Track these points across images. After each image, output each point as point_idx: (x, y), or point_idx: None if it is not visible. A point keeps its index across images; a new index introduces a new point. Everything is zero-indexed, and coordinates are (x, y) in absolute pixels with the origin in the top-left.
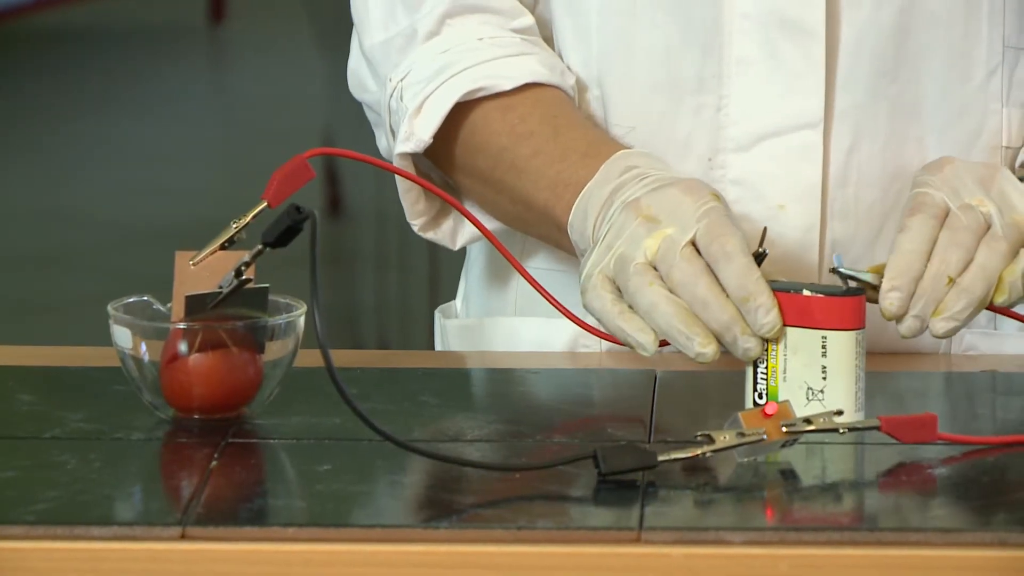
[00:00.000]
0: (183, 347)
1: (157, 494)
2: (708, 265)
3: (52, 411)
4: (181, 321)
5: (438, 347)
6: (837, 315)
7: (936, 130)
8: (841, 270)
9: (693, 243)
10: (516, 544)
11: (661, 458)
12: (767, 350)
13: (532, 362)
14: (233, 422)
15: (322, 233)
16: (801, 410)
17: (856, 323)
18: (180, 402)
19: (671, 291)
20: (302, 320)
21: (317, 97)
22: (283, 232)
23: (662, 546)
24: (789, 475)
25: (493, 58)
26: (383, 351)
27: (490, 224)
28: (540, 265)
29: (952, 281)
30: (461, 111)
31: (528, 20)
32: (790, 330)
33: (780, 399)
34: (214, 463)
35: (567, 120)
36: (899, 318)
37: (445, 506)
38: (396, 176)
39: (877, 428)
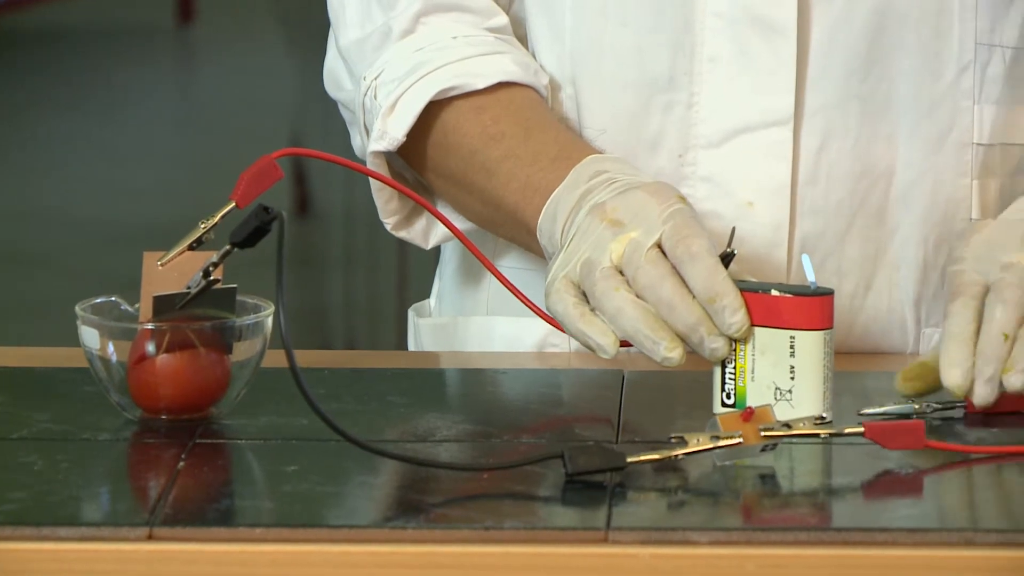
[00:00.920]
0: (151, 347)
1: (124, 495)
2: (674, 267)
3: (19, 412)
4: (149, 321)
5: (411, 346)
6: (805, 315)
7: (907, 128)
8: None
9: (659, 245)
10: (483, 544)
11: (630, 459)
12: (735, 350)
13: (501, 362)
14: (200, 423)
15: (290, 233)
16: (771, 410)
17: (824, 323)
18: (147, 402)
19: (638, 295)
20: (270, 320)
21: (285, 97)
22: (251, 233)
23: (629, 546)
24: (758, 476)
25: (467, 56)
26: (351, 351)
27: (462, 224)
28: (511, 264)
29: (1008, 337)
30: (434, 110)
31: (503, 19)
32: (758, 330)
33: (748, 399)
34: (181, 464)
35: (539, 122)
36: (968, 389)
37: (412, 506)
38: (368, 162)
39: (861, 435)
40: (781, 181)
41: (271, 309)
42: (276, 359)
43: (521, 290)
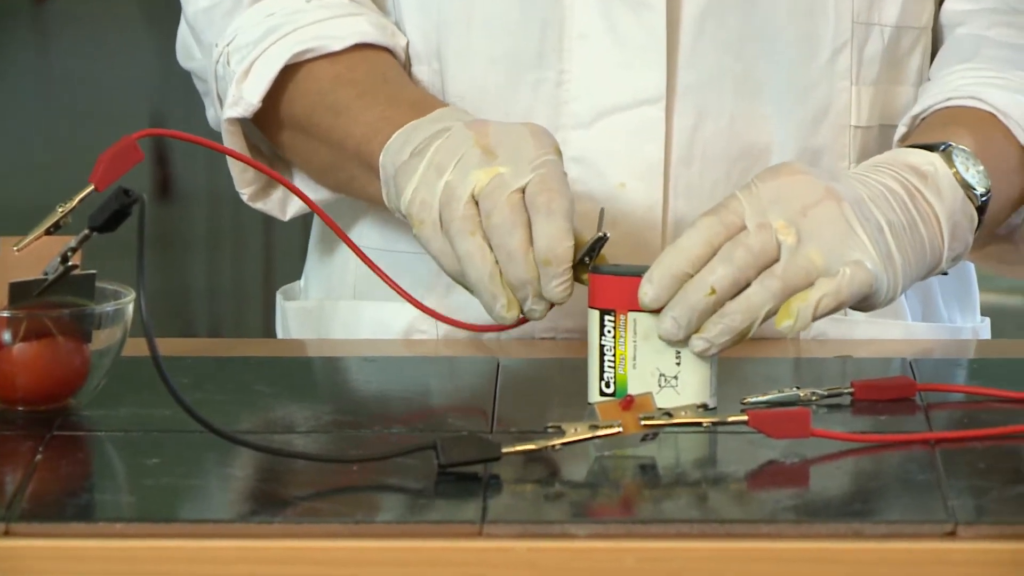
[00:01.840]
0: (7, 336)
1: None
2: (529, 220)
3: None
4: (4, 309)
5: (279, 331)
6: None
7: (783, 109)
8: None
9: (523, 190)
10: (353, 539)
11: (505, 450)
12: (615, 337)
13: (369, 349)
14: (59, 414)
15: (152, 216)
16: (654, 398)
17: None
18: (3, 393)
19: (485, 231)
20: (130, 308)
21: (146, 77)
22: (111, 216)
23: (504, 540)
24: (638, 467)
25: (321, 19)
26: (215, 339)
27: (318, 196)
28: (374, 245)
29: (714, 292)
30: (289, 74)
31: None
32: (641, 316)
33: (629, 387)
34: (39, 456)
35: (397, 78)
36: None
37: (279, 500)
38: (225, 140)
39: (745, 423)
40: (654, 161)
41: (131, 296)
42: (137, 347)
43: (386, 272)
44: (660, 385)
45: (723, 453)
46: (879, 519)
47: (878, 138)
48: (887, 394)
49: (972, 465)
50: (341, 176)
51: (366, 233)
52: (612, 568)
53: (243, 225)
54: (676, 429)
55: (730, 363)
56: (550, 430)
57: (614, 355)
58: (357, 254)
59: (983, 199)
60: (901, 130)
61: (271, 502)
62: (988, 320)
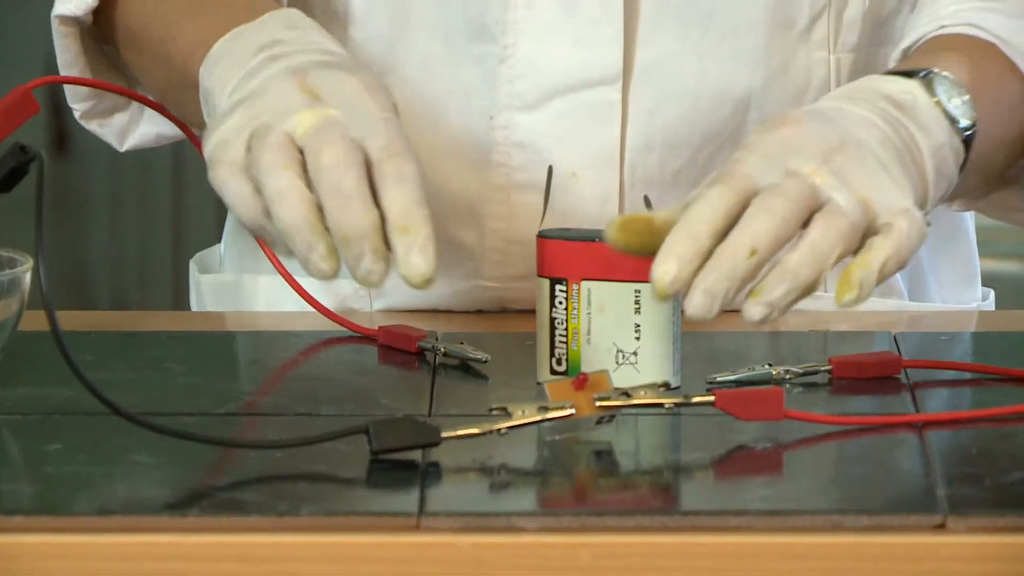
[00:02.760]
0: None
1: None
2: (368, 174)
3: None
4: None
5: (193, 304)
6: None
7: (757, 88)
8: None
9: (360, 149)
10: (278, 533)
11: (445, 434)
12: (566, 309)
13: (293, 323)
14: None
15: (49, 175)
16: (609, 376)
17: None
18: None
19: (311, 178)
20: (27, 277)
21: (39, 20)
22: (7, 175)
23: (446, 534)
24: (593, 453)
25: None
26: (121, 312)
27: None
28: None
29: (755, 252)
30: None
31: None
32: (595, 285)
33: (584, 365)
34: None
35: None
36: (680, 295)
37: (195, 490)
38: (57, 46)
39: (711, 404)
40: (608, 148)
41: (29, 263)
42: (35, 321)
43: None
44: (617, 362)
45: (687, 437)
46: (860, 510)
47: None
48: (869, 371)
49: (964, 451)
50: (179, 101)
51: None
52: (565, 565)
53: (150, 184)
54: (635, 411)
55: (695, 338)
56: (495, 412)
57: (566, 329)
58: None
59: (968, 133)
60: (890, 67)
61: (185, 493)
62: (992, 294)
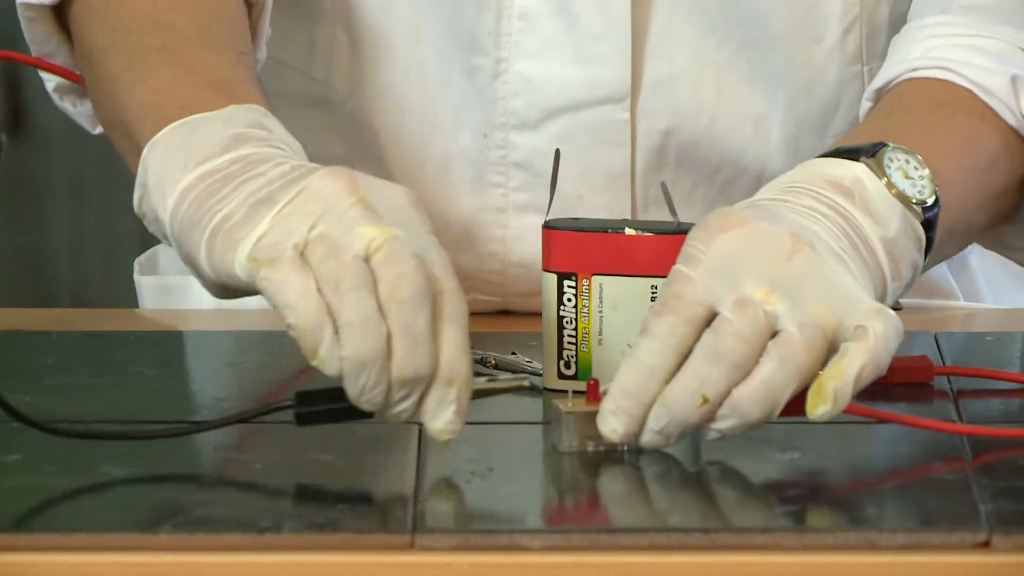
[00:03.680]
0: None
1: None
2: None
3: None
4: None
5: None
6: (669, 257)
7: (781, 105)
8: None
9: None
10: (258, 552)
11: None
12: (576, 307)
13: (277, 322)
14: None
15: (3, 157)
16: None
17: None
18: None
19: (387, 301)
20: None
21: None
22: None
23: (442, 553)
24: (606, 464)
25: None
26: (83, 310)
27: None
28: None
29: (707, 401)
30: None
31: None
32: (608, 280)
33: (595, 368)
34: None
35: (223, 36)
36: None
37: (169, 505)
38: (21, 20)
39: None
40: (618, 170)
41: None
42: None
43: None
44: None
45: (708, 446)
46: (897, 527)
47: None
48: (896, 377)
49: (1010, 462)
50: (120, 145)
51: None
52: None
53: (114, 169)
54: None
55: None
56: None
57: (575, 329)
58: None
59: (929, 214)
60: (865, 106)
61: (157, 508)
62: None
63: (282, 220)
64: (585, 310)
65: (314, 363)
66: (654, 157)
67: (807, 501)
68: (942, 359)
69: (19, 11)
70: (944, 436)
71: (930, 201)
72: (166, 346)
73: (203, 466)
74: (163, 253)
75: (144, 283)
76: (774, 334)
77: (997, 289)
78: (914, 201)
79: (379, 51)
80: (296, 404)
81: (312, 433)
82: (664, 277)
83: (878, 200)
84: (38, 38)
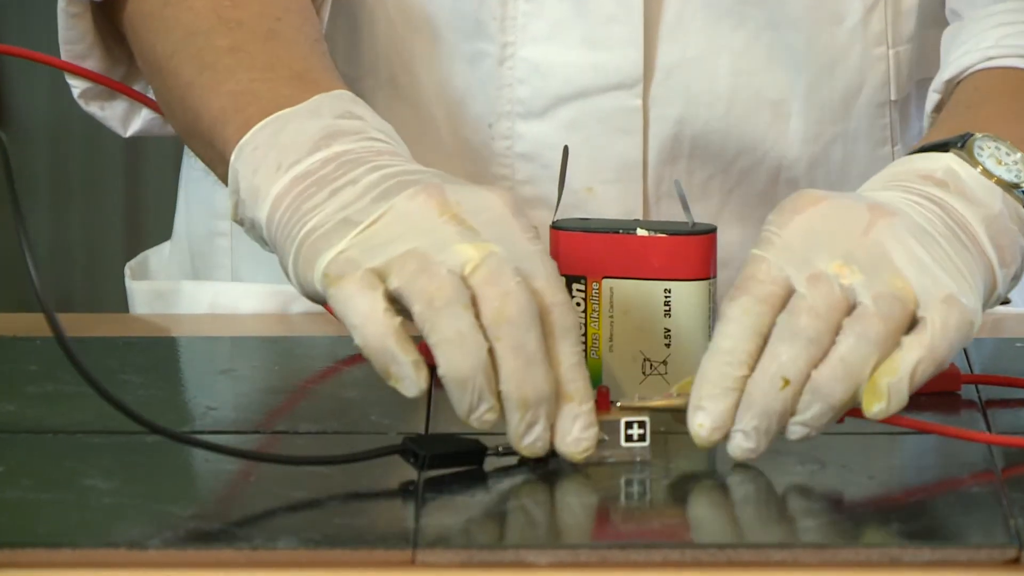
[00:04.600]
0: None
1: None
2: None
3: None
4: None
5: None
6: (684, 260)
7: (801, 91)
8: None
9: None
10: (251, 569)
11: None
12: (586, 312)
13: (270, 328)
14: None
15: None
16: (636, 387)
17: (708, 270)
18: None
19: (493, 323)
20: None
21: None
22: None
23: (444, 570)
24: (616, 477)
25: None
26: (68, 314)
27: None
28: None
29: (788, 383)
30: None
31: None
32: (618, 283)
33: (604, 376)
34: None
35: (294, 28)
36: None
37: (158, 519)
38: (60, 16)
39: None
40: (629, 161)
41: None
42: None
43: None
44: (644, 372)
45: (723, 459)
46: (922, 543)
47: (918, 103)
48: (922, 386)
49: None
50: (201, 153)
51: None
52: None
53: (100, 166)
54: (664, 428)
55: None
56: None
57: (584, 335)
58: None
59: None
60: (933, 98)
61: (148, 521)
62: None
63: (365, 238)
64: (595, 315)
65: (390, 383)
66: (667, 147)
67: (828, 516)
68: (970, 367)
69: (59, 5)
70: (971, 447)
71: None
72: (156, 352)
73: (194, 479)
74: (154, 257)
75: (136, 288)
76: (850, 308)
77: None
78: (1012, 184)
79: (377, 37)
80: (417, 447)
81: (308, 445)
82: (678, 280)
83: (974, 187)
84: (73, 37)
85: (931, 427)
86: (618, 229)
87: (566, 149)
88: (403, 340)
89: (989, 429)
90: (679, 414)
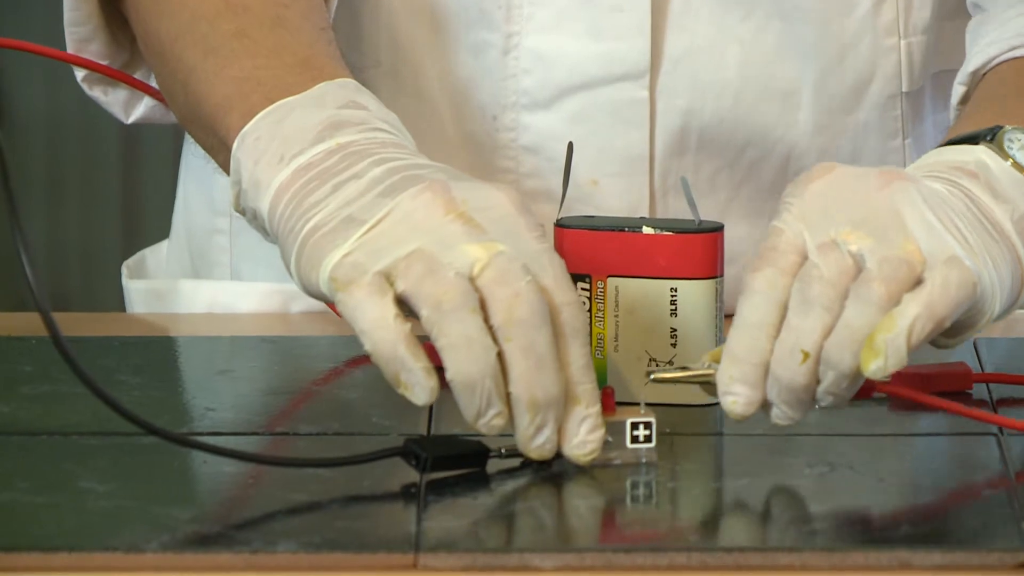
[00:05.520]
0: None
1: None
2: None
3: None
4: None
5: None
6: (690, 258)
7: (811, 80)
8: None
9: None
10: (251, 573)
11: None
12: (591, 311)
13: (271, 328)
14: None
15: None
16: (641, 388)
17: (715, 268)
18: None
19: (495, 329)
20: None
21: None
22: None
23: (447, 574)
24: (623, 479)
25: None
26: (64, 313)
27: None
28: None
29: (808, 355)
30: None
31: None
32: (623, 282)
33: (609, 376)
34: None
35: (301, 14)
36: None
37: (156, 522)
38: (67, 4)
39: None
40: (636, 154)
41: None
42: None
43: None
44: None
45: (731, 461)
46: (932, 546)
47: (933, 95)
48: (933, 385)
49: None
50: (202, 140)
51: None
52: None
53: (97, 163)
54: (670, 430)
55: None
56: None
57: (590, 334)
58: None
59: None
60: (959, 91)
61: (145, 525)
62: None
63: (370, 239)
64: (600, 314)
65: (399, 391)
66: (674, 139)
67: (836, 519)
68: (981, 366)
69: None
70: (983, 450)
71: None
72: (154, 352)
73: (192, 481)
74: (152, 256)
75: (133, 288)
76: (858, 272)
77: None
78: None
79: (379, 27)
80: (419, 449)
81: (308, 446)
82: (684, 279)
83: (1005, 181)
84: (77, 19)
85: (941, 403)
86: (623, 227)
87: (570, 146)
88: (414, 347)
89: (1000, 427)
90: (709, 386)
